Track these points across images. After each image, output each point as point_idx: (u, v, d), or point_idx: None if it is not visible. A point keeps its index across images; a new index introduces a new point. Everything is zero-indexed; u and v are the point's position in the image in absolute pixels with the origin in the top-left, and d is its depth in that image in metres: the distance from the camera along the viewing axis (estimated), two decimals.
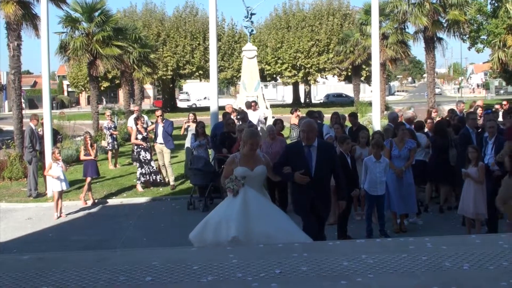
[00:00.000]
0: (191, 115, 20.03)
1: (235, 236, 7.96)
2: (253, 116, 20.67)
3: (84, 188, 16.94)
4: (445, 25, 37.00)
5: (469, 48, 59.31)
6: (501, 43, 36.60)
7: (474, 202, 11.08)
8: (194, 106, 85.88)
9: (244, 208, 8.39)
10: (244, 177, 8.61)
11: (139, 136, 18.42)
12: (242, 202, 8.45)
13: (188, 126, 19.31)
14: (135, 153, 18.84)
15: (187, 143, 19.60)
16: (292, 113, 21.50)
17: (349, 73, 63.46)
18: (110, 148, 23.88)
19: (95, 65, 34.29)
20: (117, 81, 60.70)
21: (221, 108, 20.77)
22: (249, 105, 22.36)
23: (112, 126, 24.51)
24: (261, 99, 32.08)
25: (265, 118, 24.31)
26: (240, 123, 17.44)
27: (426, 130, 15.64)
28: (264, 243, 7.69)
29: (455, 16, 35.63)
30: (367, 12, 40.08)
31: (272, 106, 42.08)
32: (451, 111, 18.44)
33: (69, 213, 15.72)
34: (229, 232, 8.10)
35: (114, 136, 24.12)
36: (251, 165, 8.81)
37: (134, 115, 23.99)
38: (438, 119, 17.74)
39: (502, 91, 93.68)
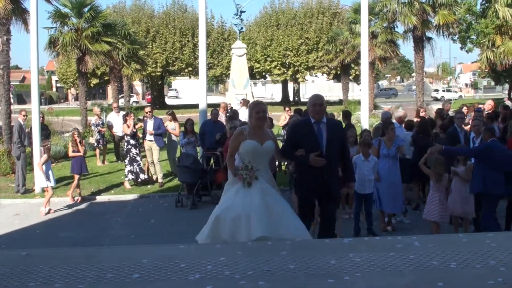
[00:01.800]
0: (168, 115, 20.07)
1: (261, 236, 7.34)
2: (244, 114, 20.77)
3: (72, 185, 16.84)
4: (434, 24, 37.12)
5: (461, 48, 59.57)
6: (490, 43, 36.76)
7: (461, 201, 11.13)
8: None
9: (264, 206, 7.71)
10: (257, 169, 7.94)
11: (128, 131, 18.35)
12: (261, 199, 7.76)
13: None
14: (124, 150, 18.78)
15: (167, 141, 19.70)
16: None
17: (338, 72, 63.57)
18: (98, 144, 23.78)
19: (84, 61, 34.27)
20: (106, 78, 60.51)
21: (210, 105, 20.77)
22: (246, 102, 22.48)
23: (100, 123, 24.38)
24: (250, 97, 32.13)
25: None
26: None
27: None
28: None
29: (444, 16, 35.75)
30: (357, 11, 40.20)
31: None
32: (439, 111, 18.51)
33: (57, 210, 15.66)
34: (251, 231, 7.44)
35: (102, 133, 24.03)
36: (261, 139, 8.20)
37: (112, 113, 24.03)
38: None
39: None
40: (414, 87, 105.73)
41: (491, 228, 10.45)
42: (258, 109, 8.30)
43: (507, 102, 29.91)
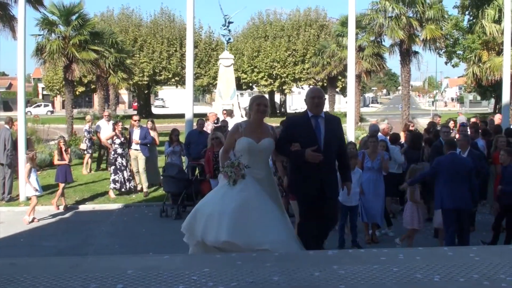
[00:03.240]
0: (149, 122, 20.12)
1: (226, 241, 7.07)
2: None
3: (57, 193, 16.76)
4: (421, 39, 37.34)
5: (446, 63, 60.08)
6: (476, 58, 37.01)
7: None
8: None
9: (242, 209, 7.23)
10: (247, 166, 7.45)
11: (117, 141, 18.31)
12: (241, 200, 7.29)
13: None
14: (111, 158, 18.71)
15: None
16: None
17: (325, 84, 63.82)
18: (89, 152, 23.67)
19: (70, 69, 34.09)
20: (93, 86, 60.38)
21: (196, 115, 20.77)
22: (229, 113, 22.59)
23: (92, 130, 24.31)
24: (237, 108, 32.20)
25: None
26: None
27: (402, 141, 15.88)
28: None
29: (431, 31, 35.99)
30: (344, 24, 40.40)
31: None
32: (432, 124, 18.62)
33: (41, 219, 15.58)
34: (220, 233, 7.09)
35: (93, 140, 23.96)
36: (258, 137, 7.73)
37: (102, 120, 23.93)
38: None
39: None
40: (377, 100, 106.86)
41: (447, 243, 10.57)
42: (260, 101, 7.90)
43: (460, 117, 30.38)
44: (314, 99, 8.06)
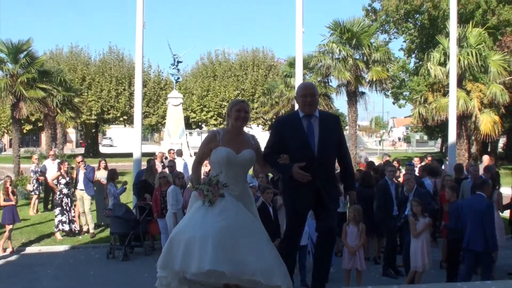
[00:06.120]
0: (102, 162, 20.13)
1: (211, 270, 5.90)
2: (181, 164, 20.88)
3: (4, 236, 16.46)
4: (367, 80, 37.93)
5: (394, 103, 61.13)
6: (422, 99, 37.76)
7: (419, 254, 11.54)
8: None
9: (228, 230, 6.13)
10: (225, 185, 6.47)
11: (62, 181, 18.15)
12: (223, 221, 6.18)
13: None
14: (57, 199, 18.50)
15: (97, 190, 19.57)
16: None
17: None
18: (36, 193, 23.33)
19: (18, 107, 33.63)
20: (40, 124, 59.60)
21: (144, 154, 20.72)
22: (180, 153, 22.62)
23: (39, 170, 23.97)
24: (186, 147, 32.19)
25: None
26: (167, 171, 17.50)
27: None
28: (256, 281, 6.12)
29: (377, 72, 36.59)
30: (291, 64, 40.80)
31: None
32: (387, 162, 18.78)
33: None
34: (203, 260, 5.90)
35: (40, 181, 23.60)
36: (237, 147, 6.70)
37: (48, 160, 23.74)
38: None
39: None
40: None
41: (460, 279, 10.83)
42: (239, 107, 6.86)
43: (362, 153, 31.15)
44: (306, 97, 7.09)
